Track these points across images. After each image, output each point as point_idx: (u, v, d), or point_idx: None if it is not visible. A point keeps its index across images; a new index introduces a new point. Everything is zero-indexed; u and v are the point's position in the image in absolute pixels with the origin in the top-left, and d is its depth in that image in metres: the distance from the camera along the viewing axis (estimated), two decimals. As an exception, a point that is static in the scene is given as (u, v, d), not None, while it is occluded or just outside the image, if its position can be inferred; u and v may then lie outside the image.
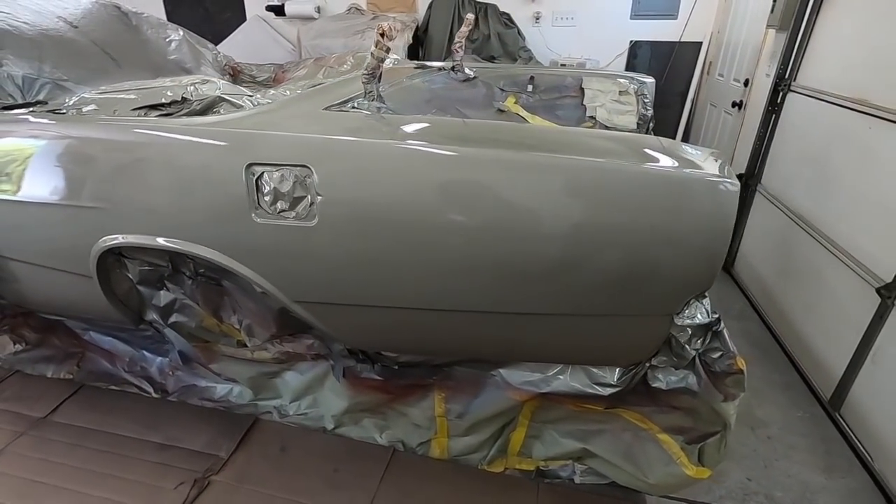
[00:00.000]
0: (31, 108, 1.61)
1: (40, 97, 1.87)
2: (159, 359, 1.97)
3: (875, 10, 2.02)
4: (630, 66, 4.45)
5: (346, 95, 1.53)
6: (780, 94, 2.65)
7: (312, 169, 1.15)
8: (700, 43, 4.24)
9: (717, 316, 1.16)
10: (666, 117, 4.53)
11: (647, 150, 1.12)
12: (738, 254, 3.06)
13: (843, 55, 2.20)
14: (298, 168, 1.16)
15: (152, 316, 1.65)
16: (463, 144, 1.18)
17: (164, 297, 1.59)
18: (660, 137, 1.16)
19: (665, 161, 1.09)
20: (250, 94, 1.50)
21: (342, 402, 1.76)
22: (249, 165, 1.19)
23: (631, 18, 4.34)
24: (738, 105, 3.46)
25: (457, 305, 1.20)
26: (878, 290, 1.76)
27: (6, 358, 2.11)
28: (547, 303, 1.15)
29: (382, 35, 1.33)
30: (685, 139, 4.54)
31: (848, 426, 1.90)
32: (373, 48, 1.35)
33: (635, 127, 2.36)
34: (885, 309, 1.74)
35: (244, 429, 1.84)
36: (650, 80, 2.52)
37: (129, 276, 1.55)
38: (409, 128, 1.27)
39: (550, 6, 4.43)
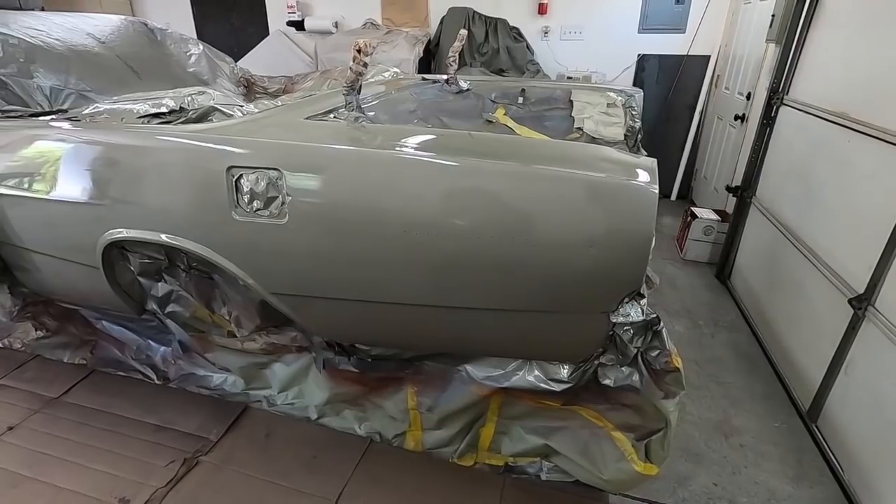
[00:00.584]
0: (52, 116, 1.80)
1: (64, 106, 2.07)
2: (163, 348, 2.13)
3: (853, 28, 2.05)
4: (638, 79, 4.50)
5: (329, 106, 1.67)
6: (774, 107, 2.68)
7: (283, 171, 1.27)
8: (708, 56, 4.27)
9: (655, 315, 1.22)
10: (674, 130, 4.57)
11: (581, 158, 1.21)
12: (734, 266, 3.07)
13: (827, 70, 2.23)
14: (271, 171, 1.28)
15: (152, 305, 1.80)
16: (432, 152, 1.29)
17: (161, 288, 1.74)
18: (600, 146, 1.24)
19: (595, 168, 1.18)
20: (241, 104, 1.65)
21: (324, 393, 1.86)
22: (230, 168, 1.32)
23: (639, 32, 4.40)
24: (741, 118, 3.48)
25: (409, 299, 1.30)
26: (850, 301, 1.77)
27: (28, 343, 2.30)
28: (490, 298, 1.24)
29: (359, 51, 1.45)
30: (693, 152, 4.55)
31: (823, 437, 1.90)
32: (351, 63, 1.47)
33: (622, 138, 2.41)
34: (857, 320, 1.76)
35: (234, 415, 1.97)
36: (639, 92, 2.58)
37: (131, 268, 1.70)
38: (378, 135, 1.38)
39: (559, 21, 4.53)
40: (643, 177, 1.13)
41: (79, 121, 1.66)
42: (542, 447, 1.65)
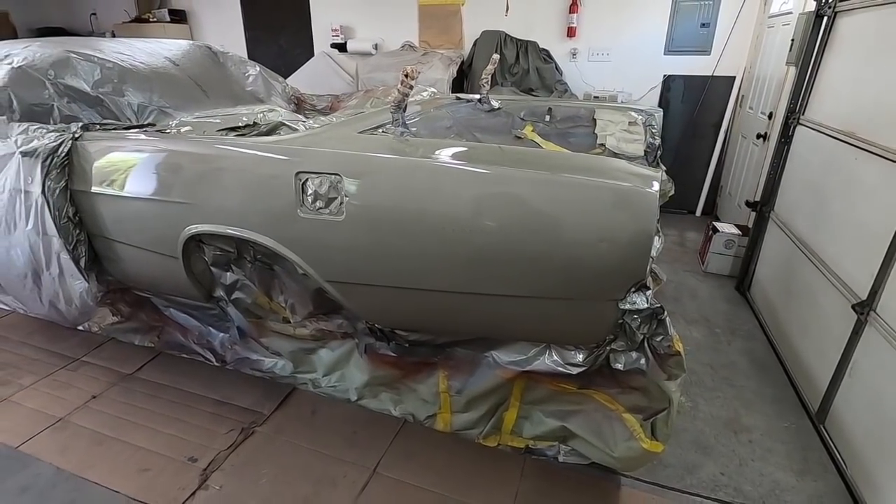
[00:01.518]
0: (144, 129, 2.11)
1: (149, 120, 2.40)
2: (221, 335, 2.39)
3: (862, 54, 2.20)
4: (663, 99, 4.66)
5: (378, 122, 1.92)
6: (791, 126, 2.81)
7: (342, 176, 1.52)
8: (733, 77, 4.40)
9: (659, 305, 1.40)
10: (699, 148, 4.70)
11: (596, 168, 1.41)
12: (753, 278, 3.17)
13: (839, 92, 2.37)
14: (332, 175, 1.53)
15: (219, 292, 2.07)
16: (466, 161, 1.52)
17: (229, 277, 2.01)
18: (612, 159, 1.44)
19: (608, 176, 1.38)
20: (305, 119, 1.92)
21: (364, 376, 2.09)
22: (297, 173, 1.58)
23: (665, 54, 4.57)
24: (763, 137, 3.60)
25: (445, 287, 1.51)
26: (853, 307, 1.89)
27: (104, 327, 2.61)
28: (515, 286, 1.44)
29: (406, 76, 1.70)
30: (718, 169, 4.66)
31: (829, 437, 2.01)
32: (399, 85, 1.72)
33: (642, 154, 2.60)
34: (860, 325, 1.88)
35: (283, 394, 2.22)
36: (659, 112, 2.76)
37: (205, 258, 1.97)
38: (420, 147, 1.62)
39: (587, 43, 4.74)
40: (647, 184, 1.33)
41: (168, 132, 1.96)
42: (559, 429, 1.82)
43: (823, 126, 2.44)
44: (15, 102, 2.14)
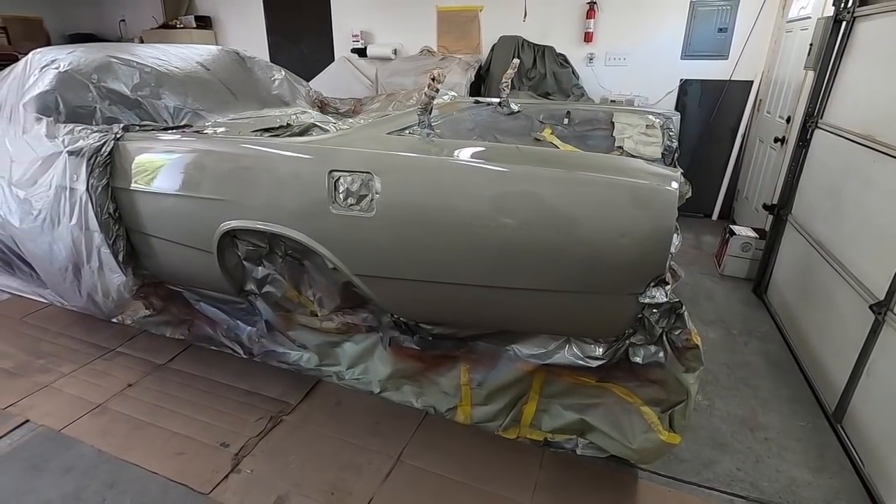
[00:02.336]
0: (181, 130, 2.22)
1: (184, 122, 2.51)
2: (249, 328, 2.48)
3: (879, 59, 2.23)
4: (680, 103, 4.68)
5: (405, 124, 2.00)
6: (809, 130, 2.83)
7: (373, 174, 1.60)
8: (751, 82, 4.41)
9: (678, 300, 1.45)
10: (716, 152, 4.71)
11: (616, 167, 1.47)
12: (770, 280, 3.18)
13: (857, 96, 2.40)
14: (364, 174, 1.61)
15: (250, 286, 2.16)
16: (486, 161, 1.59)
17: (261, 271, 2.10)
18: (631, 159, 1.50)
19: (628, 174, 1.44)
20: (335, 121, 2.01)
21: (387, 368, 2.16)
22: (331, 171, 1.66)
23: (682, 59, 4.60)
24: (781, 140, 3.61)
25: (469, 280, 1.58)
26: (871, 307, 1.92)
27: (137, 320, 2.72)
28: (537, 280, 1.50)
29: (433, 79, 1.77)
30: (735, 173, 4.66)
31: (846, 436, 2.03)
32: (425, 89, 1.80)
33: (659, 157, 2.64)
34: (878, 325, 1.90)
35: (309, 386, 2.30)
36: (676, 115, 2.81)
37: (238, 253, 2.07)
38: (447, 148, 1.69)
39: (604, 47, 4.80)
40: (667, 182, 1.38)
41: (205, 133, 2.07)
42: (578, 422, 1.87)
43: (842, 129, 2.47)
44: (61, 105, 2.26)
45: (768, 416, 2.20)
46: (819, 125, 2.74)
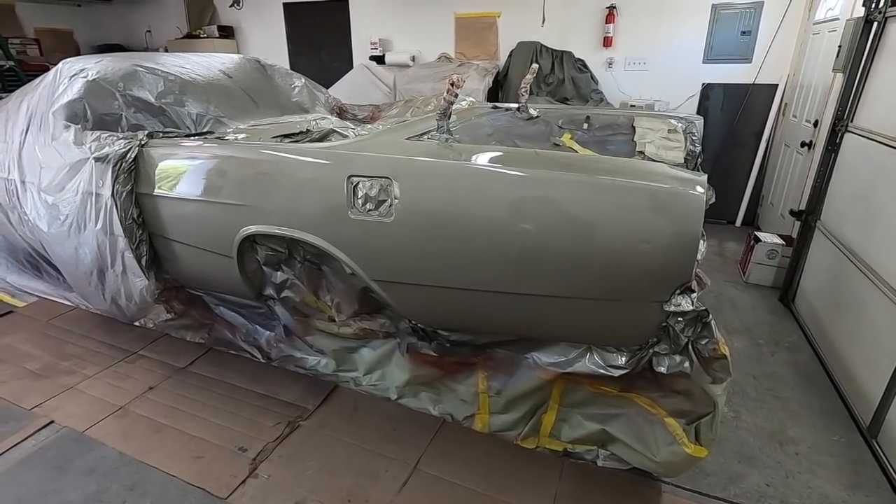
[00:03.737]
0: (204, 136, 2.25)
1: (207, 128, 2.55)
2: (267, 333, 2.49)
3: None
4: (702, 108, 4.61)
5: (423, 129, 2.00)
6: (839, 134, 2.75)
7: (392, 179, 1.59)
8: (776, 85, 4.32)
9: (704, 308, 1.41)
10: (740, 157, 4.61)
11: (638, 171, 1.44)
12: (798, 289, 3.09)
13: (890, 99, 2.31)
14: (383, 179, 1.61)
15: (269, 291, 2.17)
16: (505, 165, 1.57)
17: (279, 276, 2.11)
18: (656, 163, 1.46)
19: (651, 178, 1.40)
20: (354, 127, 2.01)
21: (404, 374, 2.14)
22: (349, 177, 1.66)
23: (704, 62, 4.53)
24: (808, 145, 3.52)
25: (487, 286, 1.56)
26: (907, 317, 1.84)
27: (159, 324, 2.75)
28: (556, 286, 1.47)
29: (452, 84, 1.76)
30: (760, 178, 4.56)
31: (882, 452, 1.94)
32: (444, 94, 1.79)
33: (682, 161, 2.59)
34: (916, 336, 1.82)
35: (326, 391, 2.30)
36: (699, 119, 2.75)
37: (258, 258, 2.08)
38: (464, 152, 1.67)
39: (624, 52, 4.75)
40: (692, 186, 1.34)
41: (226, 140, 2.09)
42: (599, 433, 1.82)
43: (874, 133, 2.39)
44: (89, 112, 2.32)
45: (798, 429, 2.12)
46: (849, 129, 2.66)
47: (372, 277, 1.76)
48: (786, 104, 4.29)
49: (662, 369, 1.54)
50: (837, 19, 3.31)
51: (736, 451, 2.00)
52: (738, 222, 4.73)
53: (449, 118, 1.89)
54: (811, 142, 3.48)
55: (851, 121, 2.67)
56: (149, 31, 7.14)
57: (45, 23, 6.53)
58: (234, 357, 2.54)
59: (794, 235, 3.25)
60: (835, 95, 3.10)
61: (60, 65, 2.52)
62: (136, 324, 2.75)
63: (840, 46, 2.92)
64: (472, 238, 1.53)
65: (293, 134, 1.95)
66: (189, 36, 6.49)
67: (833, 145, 2.80)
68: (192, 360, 2.54)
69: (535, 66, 2.87)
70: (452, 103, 1.84)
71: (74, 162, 2.20)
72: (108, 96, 2.39)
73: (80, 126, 2.26)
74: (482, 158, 1.62)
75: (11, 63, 5.68)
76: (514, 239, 1.48)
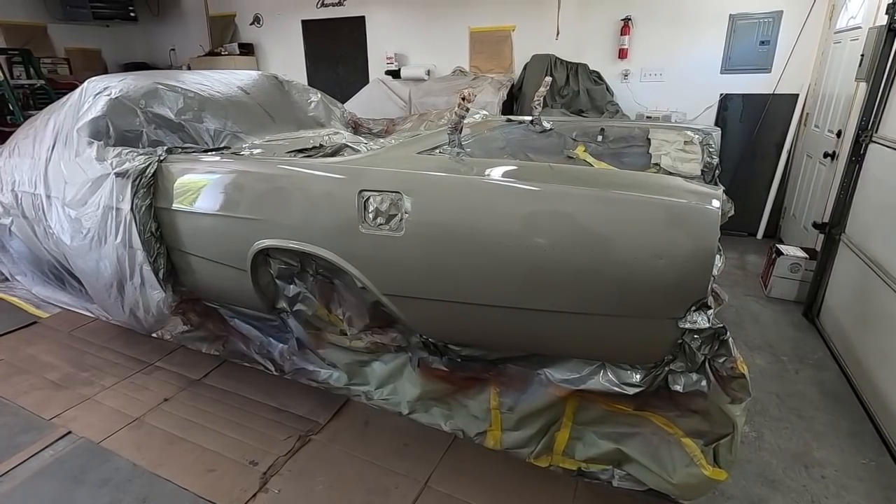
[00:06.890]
0: (220, 152, 2.29)
1: (224, 144, 2.60)
2: (281, 345, 2.51)
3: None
4: (720, 119, 4.54)
5: (435, 143, 2.00)
6: (863, 144, 2.67)
7: (403, 194, 1.59)
8: (796, 95, 4.24)
9: (722, 325, 1.37)
10: (760, 168, 4.53)
11: (652, 185, 1.41)
12: (822, 303, 2.99)
13: (917, 108, 2.24)
14: (393, 193, 1.61)
15: (282, 304, 2.19)
16: (517, 179, 1.56)
17: (292, 289, 2.13)
18: (670, 177, 1.43)
19: (665, 192, 1.37)
20: (366, 141, 2.03)
21: (416, 389, 2.12)
22: (361, 191, 1.67)
23: (721, 73, 4.47)
24: (831, 156, 3.43)
25: (499, 301, 1.54)
26: (939, 335, 1.76)
27: (176, 335, 2.80)
28: (569, 302, 1.45)
29: (463, 98, 1.77)
30: (781, 190, 4.46)
31: (916, 477, 1.85)
32: (455, 108, 1.80)
33: (699, 174, 2.55)
34: (949, 354, 1.74)
35: (338, 405, 2.29)
36: (717, 131, 2.71)
37: (271, 271, 2.10)
38: (475, 166, 1.67)
39: (639, 64, 4.72)
40: (707, 200, 1.31)
41: (242, 155, 2.13)
42: (614, 452, 1.78)
43: (899, 143, 2.31)
44: (111, 129, 2.39)
45: (825, 451, 2.03)
46: (874, 139, 2.59)
47: (383, 291, 1.75)
48: (807, 114, 4.20)
49: (678, 388, 1.50)
50: (860, 28, 3.24)
51: (758, 474, 1.92)
52: (760, 235, 4.62)
53: (460, 132, 1.89)
54: (834, 152, 3.39)
55: (876, 131, 2.59)
56: (173, 50, 7.36)
57: (75, 43, 6.79)
58: (247, 369, 2.56)
59: (818, 248, 3.16)
60: (858, 105, 3.02)
61: (86, 83, 2.61)
62: (154, 335, 2.80)
63: (862, 55, 2.86)
64: (482, 253, 1.52)
65: (307, 149, 1.98)
66: (211, 53, 6.66)
67: (857, 156, 2.72)
68: (207, 372, 2.56)
69: (548, 78, 2.86)
70: (464, 117, 1.84)
71: (96, 177, 2.26)
72: (129, 113, 2.46)
73: (102, 142, 2.33)
74: (494, 172, 1.62)
75: (42, 82, 5.91)
76: (525, 254, 1.46)
